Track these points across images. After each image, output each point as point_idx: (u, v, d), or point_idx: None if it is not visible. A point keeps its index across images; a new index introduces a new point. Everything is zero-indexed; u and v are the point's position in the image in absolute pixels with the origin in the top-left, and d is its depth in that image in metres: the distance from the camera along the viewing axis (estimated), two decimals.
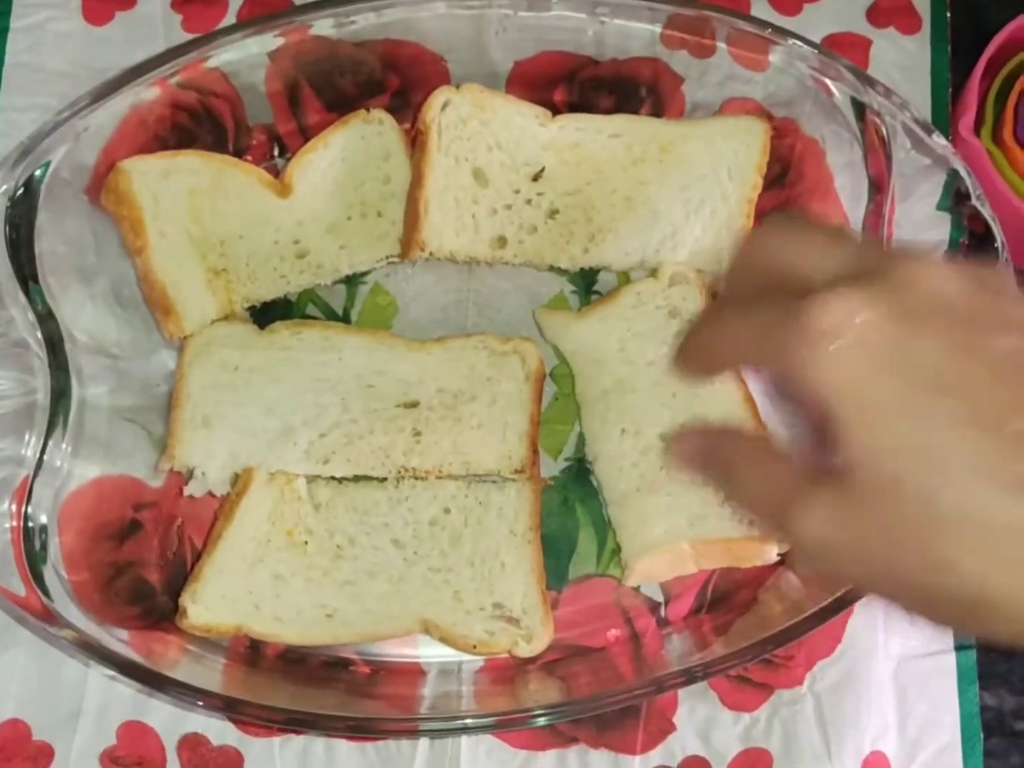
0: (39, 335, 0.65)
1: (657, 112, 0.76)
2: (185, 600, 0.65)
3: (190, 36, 0.77)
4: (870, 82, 0.69)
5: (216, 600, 0.66)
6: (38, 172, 0.65)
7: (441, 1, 0.70)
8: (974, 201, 0.67)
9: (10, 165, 0.64)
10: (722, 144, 0.72)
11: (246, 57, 0.71)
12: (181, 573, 0.69)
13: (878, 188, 0.69)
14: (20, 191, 0.64)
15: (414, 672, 0.69)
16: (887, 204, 0.68)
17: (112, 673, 0.61)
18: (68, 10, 0.78)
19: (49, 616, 0.61)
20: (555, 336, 0.73)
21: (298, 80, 0.74)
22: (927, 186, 0.68)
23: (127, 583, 0.68)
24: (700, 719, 0.69)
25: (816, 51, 0.70)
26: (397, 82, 0.75)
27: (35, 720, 0.69)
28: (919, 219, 0.69)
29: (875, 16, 0.80)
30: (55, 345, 0.65)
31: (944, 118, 0.78)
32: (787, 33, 0.70)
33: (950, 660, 0.70)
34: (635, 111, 0.76)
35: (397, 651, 0.69)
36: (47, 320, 0.65)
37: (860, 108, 0.69)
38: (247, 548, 0.67)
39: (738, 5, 0.80)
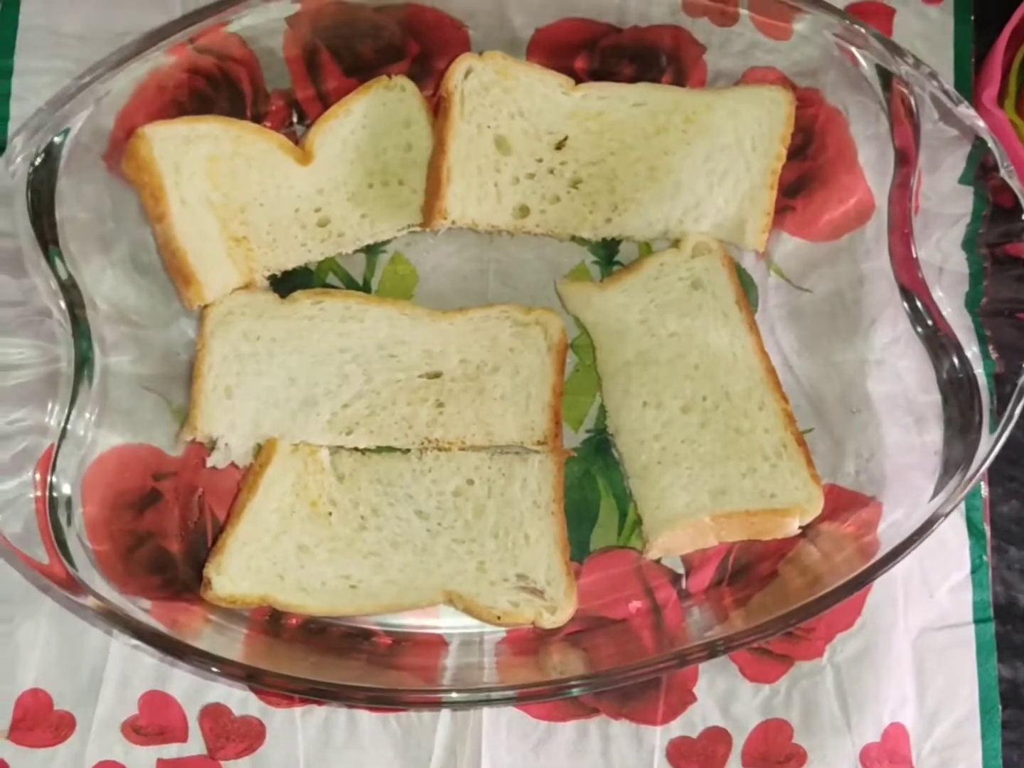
0: (61, 303, 0.64)
1: (678, 81, 0.75)
2: (209, 572, 0.65)
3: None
4: (898, 51, 0.68)
5: (241, 572, 0.65)
6: (58, 138, 0.64)
7: None
8: (1002, 172, 0.66)
9: (31, 131, 0.64)
10: (746, 114, 0.72)
11: (265, 22, 0.70)
12: (202, 544, 0.69)
13: (905, 160, 0.69)
14: (41, 157, 0.64)
15: (436, 643, 0.69)
16: (914, 176, 0.68)
17: (135, 642, 0.61)
18: None
19: (73, 585, 0.60)
20: (577, 308, 0.73)
21: (316, 45, 0.73)
22: (953, 158, 0.67)
23: (148, 553, 0.68)
24: (720, 690, 0.70)
25: (842, 19, 0.69)
26: (417, 48, 0.74)
27: (57, 690, 0.69)
28: (946, 192, 0.68)
29: None
30: (77, 313, 0.65)
31: (967, 89, 0.77)
32: (811, 1, 0.69)
33: (969, 632, 0.71)
34: (656, 79, 0.75)
35: (419, 622, 0.69)
36: (69, 287, 0.65)
37: (887, 78, 0.69)
38: (271, 519, 0.66)
39: None
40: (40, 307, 0.64)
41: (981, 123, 0.67)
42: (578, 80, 0.72)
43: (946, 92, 0.67)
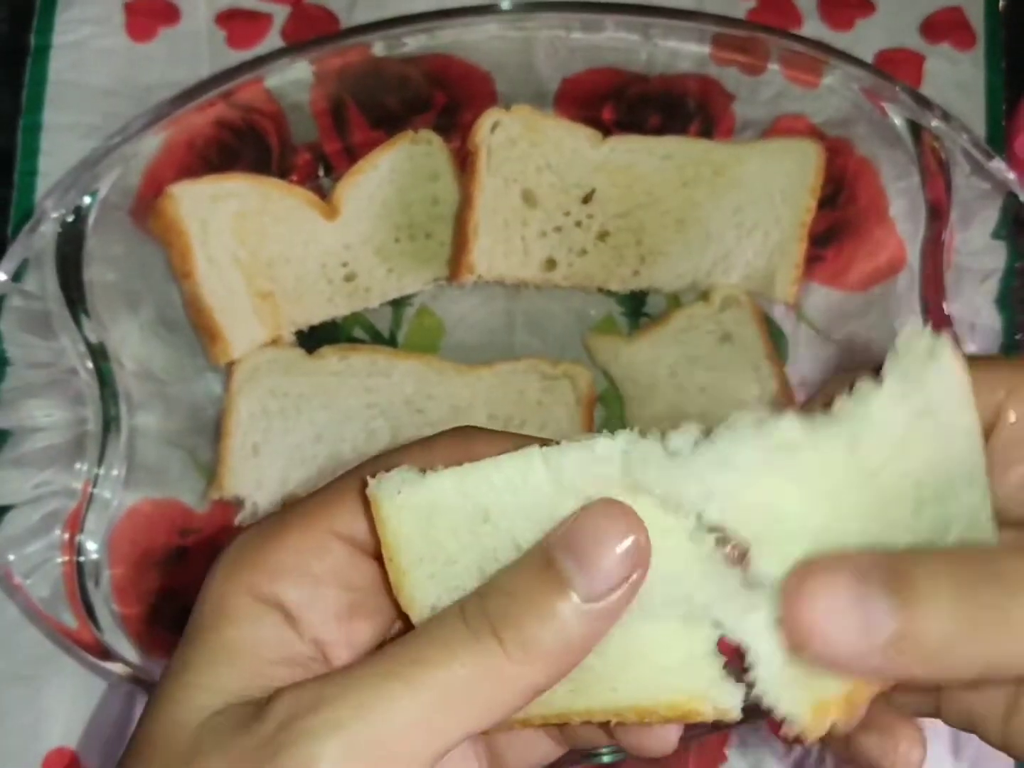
0: (88, 363, 0.64)
1: (707, 130, 0.75)
2: None
3: (234, 52, 0.77)
4: (928, 104, 0.67)
5: None
6: (87, 199, 0.64)
7: (493, 23, 0.69)
8: None
9: (60, 192, 0.64)
10: (775, 166, 0.71)
11: (292, 76, 0.70)
12: None
13: (937, 214, 0.68)
14: (70, 219, 0.64)
15: None
16: (946, 230, 0.67)
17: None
18: (111, 27, 0.77)
19: (100, 650, 0.60)
20: (605, 361, 0.72)
21: (343, 98, 0.73)
22: (986, 212, 0.67)
23: (174, 610, 0.68)
24: (752, 750, 0.69)
25: (870, 72, 0.68)
26: (443, 99, 0.74)
27: (82, 748, 0.68)
28: (978, 246, 0.67)
29: (929, 31, 0.79)
30: (104, 373, 0.65)
31: (999, 136, 0.77)
32: (840, 54, 0.69)
33: None
34: (684, 129, 0.75)
35: None
36: (96, 348, 0.65)
37: (917, 131, 0.68)
38: None
39: (789, 20, 0.79)
40: (68, 367, 0.64)
41: (1012, 176, 0.66)
42: (605, 131, 0.72)
43: (977, 145, 0.66)
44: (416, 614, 0.37)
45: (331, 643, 0.38)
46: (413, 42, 0.70)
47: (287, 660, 0.37)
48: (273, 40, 0.77)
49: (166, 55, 0.77)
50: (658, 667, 0.36)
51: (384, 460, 0.38)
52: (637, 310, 0.74)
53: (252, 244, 0.69)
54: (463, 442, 0.39)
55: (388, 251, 0.72)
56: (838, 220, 0.74)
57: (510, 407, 0.70)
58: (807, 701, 0.34)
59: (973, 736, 0.65)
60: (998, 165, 0.66)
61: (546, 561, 0.34)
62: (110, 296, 0.66)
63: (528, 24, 0.69)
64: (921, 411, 0.34)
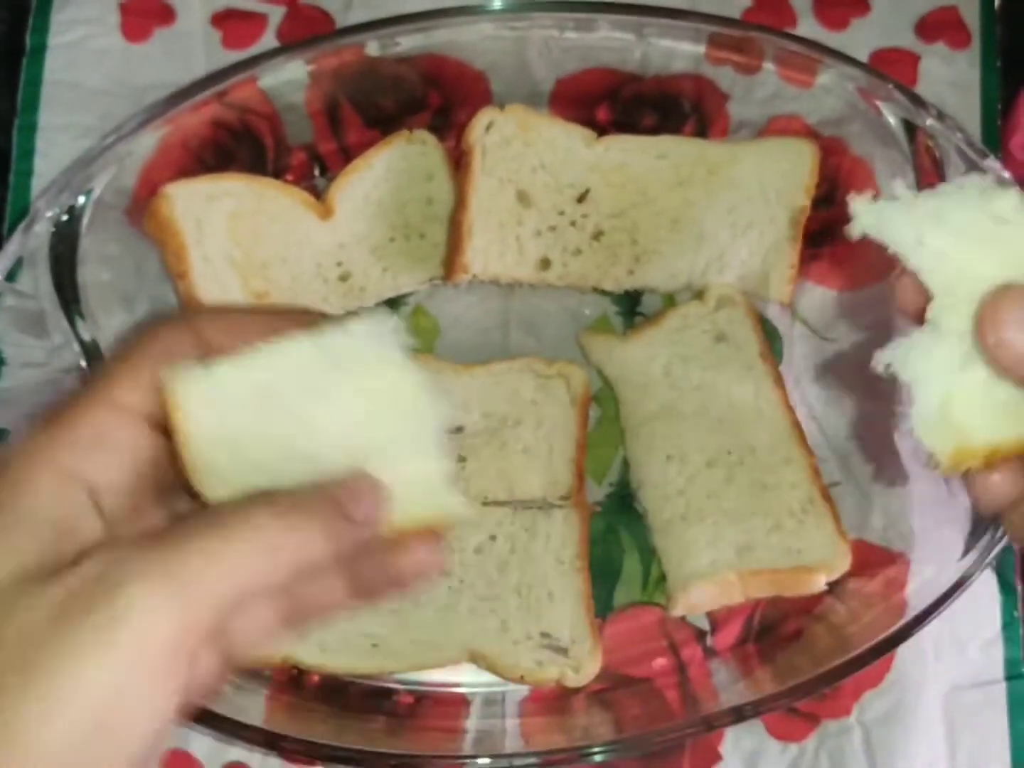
0: (83, 363, 0.64)
1: (701, 130, 0.75)
2: None
3: (230, 53, 0.77)
4: (922, 104, 0.67)
5: None
6: (81, 199, 0.65)
7: (487, 22, 0.69)
8: None
9: (54, 192, 0.64)
10: (770, 166, 0.71)
11: (287, 77, 0.70)
12: None
13: None
14: (64, 218, 0.64)
15: (458, 702, 0.68)
16: None
17: None
18: (106, 27, 0.77)
19: None
20: (599, 360, 0.72)
21: (338, 98, 0.73)
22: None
23: None
24: (747, 750, 0.69)
25: (865, 71, 0.68)
26: (438, 99, 0.75)
27: None
28: None
29: (924, 30, 0.79)
30: None
31: (995, 135, 0.77)
32: (835, 54, 0.69)
33: (1000, 690, 0.69)
34: (679, 128, 0.75)
35: (440, 678, 0.68)
36: (90, 347, 0.65)
37: (912, 130, 0.68)
38: None
39: (784, 19, 0.79)
40: (62, 367, 0.64)
41: (1008, 175, 0.66)
42: (600, 131, 0.72)
43: (972, 145, 0.66)
44: (210, 493, 0.41)
45: (124, 518, 0.41)
46: (407, 42, 0.70)
47: (84, 530, 0.40)
48: (268, 40, 0.77)
49: (161, 55, 0.77)
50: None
51: (165, 334, 0.42)
52: (632, 309, 0.74)
53: (247, 244, 0.69)
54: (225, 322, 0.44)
55: (383, 251, 0.72)
56: (833, 219, 0.74)
57: (505, 406, 0.70)
58: (952, 443, 0.40)
59: (968, 735, 0.66)
60: (993, 164, 0.66)
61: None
62: (104, 296, 0.67)
63: (521, 24, 0.69)
64: None
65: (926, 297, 0.41)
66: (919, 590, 0.65)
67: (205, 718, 0.60)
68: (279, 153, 0.74)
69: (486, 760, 0.62)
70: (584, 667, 0.65)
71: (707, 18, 0.70)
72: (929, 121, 0.67)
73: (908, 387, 0.41)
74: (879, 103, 0.68)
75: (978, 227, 0.39)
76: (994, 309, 0.39)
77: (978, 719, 0.69)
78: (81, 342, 0.64)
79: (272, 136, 0.73)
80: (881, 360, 0.41)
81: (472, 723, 0.66)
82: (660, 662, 0.69)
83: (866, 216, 0.42)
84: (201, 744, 0.68)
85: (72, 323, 0.64)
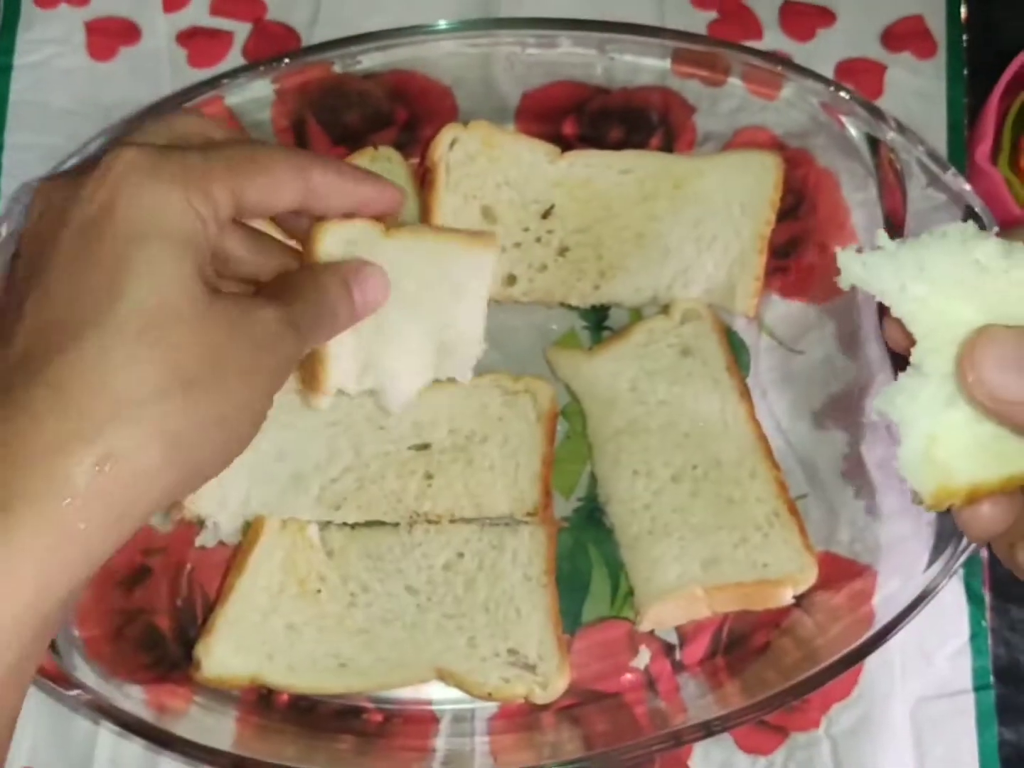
0: None
1: (668, 142, 0.75)
2: (199, 652, 0.65)
3: (196, 71, 0.77)
4: (882, 117, 0.68)
5: (230, 652, 0.65)
6: None
7: (448, 40, 0.69)
8: None
9: (16, 214, 0.64)
10: (735, 180, 0.71)
11: (252, 94, 0.70)
12: (191, 619, 0.69)
13: (894, 226, 0.68)
14: None
15: (427, 719, 0.68)
16: None
17: (122, 732, 0.61)
18: (72, 46, 0.77)
19: (59, 677, 0.60)
20: (566, 375, 0.72)
21: (305, 115, 0.73)
22: (943, 225, 0.66)
23: (137, 631, 0.68)
24: (716, 762, 0.69)
25: (827, 85, 0.69)
26: (405, 115, 0.75)
27: None
28: None
29: (889, 40, 0.79)
30: None
31: (960, 145, 0.77)
32: (797, 68, 0.69)
33: (968, 700, 0.70)
34: (646, 142, 0.75)
35: (410, 695, 0.68)
36: None
37: (874, 143, 0.68)
38: (260, 599, 0.66)
39: (750, 31, 0.79)
40: None
41: (968, 188, 0.66)
42: (567, 145, 0.72)
43: (933, 157, 0.67)
44: None
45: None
46: (373, 58, 0.70)
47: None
48: (234, 58, 0.77)
49: (127, 74, 0.77)
50: None
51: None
52: (599, 324, 0.74)
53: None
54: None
55: None
56: (799, 231, 0.74)
57: (472, 422, 0.70)
58: (935, 482, 0.42)
59: (936, 746, 0.67)
60: (953, 178, 0.66)
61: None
62: None
63: (482, 41, 0.69)
64: None
65: (912, 340, 0.43)
66: (886, 601, 0.65)
67: (174, 742, 0.60)
68: None
69: None
70: (552, 684, 0.66)
71: (669, 34, 0.70)
72: (891, 134, 0.67)
73: (897, 427, 0.43)
74: (842, 117, 0.69)
75: (959, 274, 0.41)
76: (972, 349, 0.41)
77: (946, 729, 0.69)
78: None
79: None
80: (873, 406, 0.44)
81: (441, 742, 0.67)
82: (628, 677, 0.69)
83: (851, 268, 0.43)
84: (170, 766, 0.68)
85: None
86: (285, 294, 0.53)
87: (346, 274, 0.56)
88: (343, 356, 0.58)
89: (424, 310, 0.61)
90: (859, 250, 0.44)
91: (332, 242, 0.57)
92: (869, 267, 0.43)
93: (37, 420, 0.43)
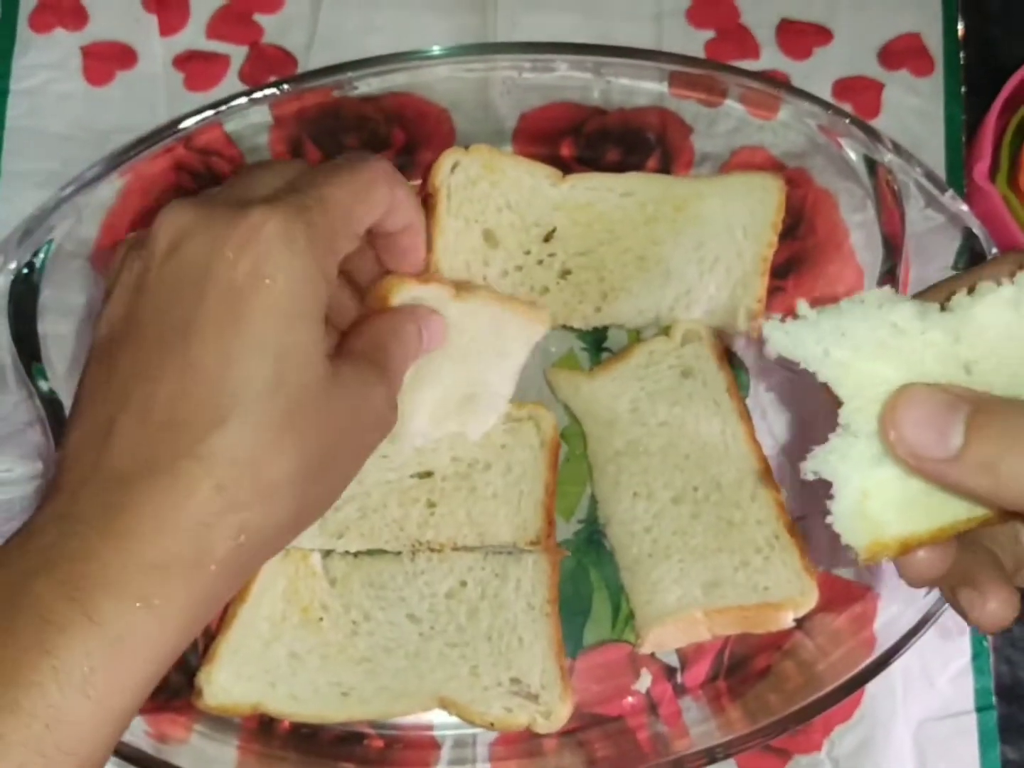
0: (44, 415, 0.64)
1: (666, 163, 0.75)
2: (200, 680, 0.65)
3: (192, 94, 0.77)
4: (879, 138, 0.67)
5: (231, 681, 0.65)
6: (41, 252, 0.64)
7: (445, 65, 0.69)
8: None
9: (14, 244, 0.64)
10: (737, 202, 0.71)
11: (250, 119, 0.70)
12: (193, 647, 0.68)
13: (893, 247, 0.68)
14: (24, 271, 0.64)
15: (428, 745, 0.68)
16: (901, 265, 0.67)
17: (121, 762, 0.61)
18: (68, 71, 0.77)
19: None
20: (566, 396, 0.72)
21: (302, 139, 0.73)
22: (942, 246, 0.67)
23: None
24: None
25: (823, 108, 0.69)
26: (403, 138, 0.74)
27: None
28: (935, 278, 0.67)
29: (887, 58, 0.79)
30: (61, 427, 0.64)
31: (958, 163, 0.77)
32: (793, 90, 0.69)
33: (971, 721, 0.70)
34: (643, 162, 0.75)
35: (411, 721, 0.68)
36: (49, 400, 0.65)
37: (872, 164, 0.68)
38: (262, 627, 0.66)
39: (747, 50, 0.79)
40: (23, 421, 0.64)
41: (966, 208, 0.66)
42: (565, 167, 0.72)
43: (931, 178, 0.67)
44: None
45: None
46: (370, 84, 0.70)
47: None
48: (231, 81, 0.77)
49: (124, 99, 0.76)
50: None
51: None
52: (598, 345, 0.74)
53: None
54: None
55: None
56: (798, 251, 0.74)
57: (474, 450, 0.69)
58: (868, 537, 0.44)
59: (939, 766, 0.66)
60: (952, 199, 0.66)
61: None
62: (65, 348, 0.66)
63: (479, 66, 0.69)
64: None
65: (839, 402, 0.46)
66: (888, 625, 0.65)
67: None
68: None
69: None
70: (554, 713, 0.65)
71: (666, 57, 0.70)
72: (888, 156, 0.67)
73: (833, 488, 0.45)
74: (839, 138, 0.69)
75: (878, 337, 0.44)
76: (892, 409, 0.43)
77: (949, 750, 0.69)
78: (41, 396, 0.64)
79: None
80: (807, 468, 0.46)
81: None
82: (630, 700, 0.69)
83: (776, 337, 0.45)
84: None
85: (31, 377, 0.64)
86: (371, 348, 0.56)
87: (420, 321, 0.61)
88: None
89: (465, 366, 0.65)
90: (783, 319, 0.45)
91: (402, 298, 0.60)
92: (792, 335, 0.45)
93: (190, 493, 0.46)
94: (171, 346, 0.48)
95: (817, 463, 0.45)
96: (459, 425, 0.67)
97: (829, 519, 0.45)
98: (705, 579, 0.68)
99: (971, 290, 0.44)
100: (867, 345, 0.44)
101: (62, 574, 0.45)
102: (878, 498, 0.45)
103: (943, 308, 0.44)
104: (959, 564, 0.47)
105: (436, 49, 0.68)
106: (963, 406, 0.42)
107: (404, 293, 0.61)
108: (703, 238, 0.72)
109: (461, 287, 0.64)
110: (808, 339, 0.44)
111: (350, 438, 0.52)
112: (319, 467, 0.50)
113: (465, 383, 0.66)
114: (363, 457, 0.55)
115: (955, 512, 0.45)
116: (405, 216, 0.59)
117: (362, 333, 0.58)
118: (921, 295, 0.47)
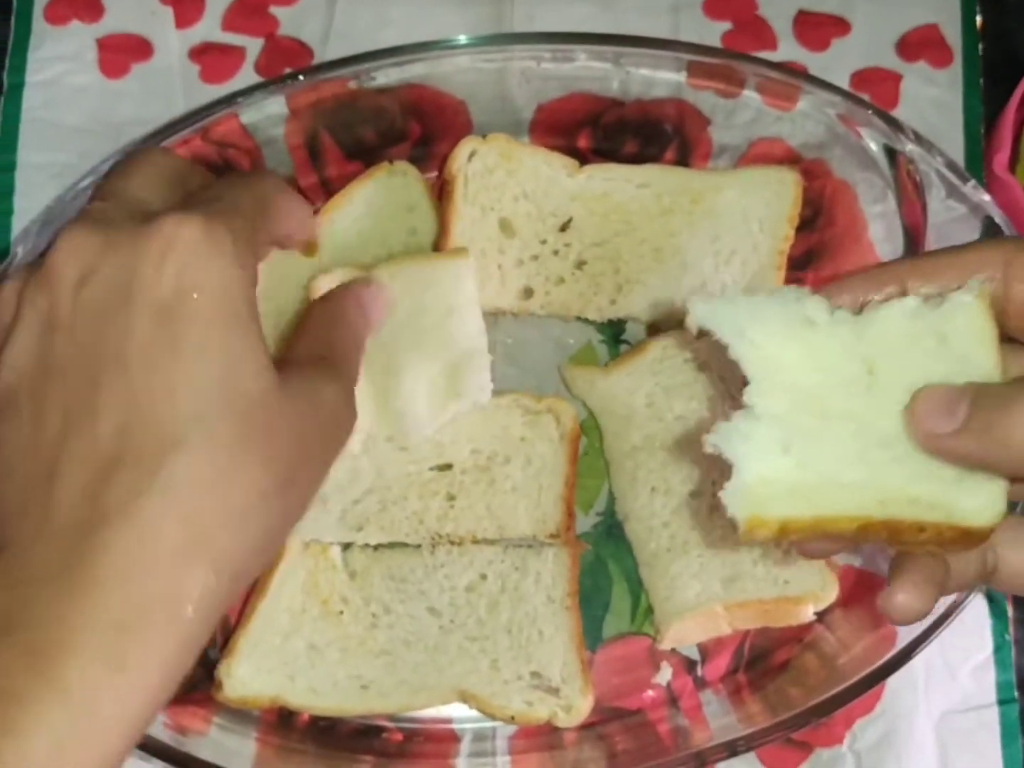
0: None
1: (683, 154, 0.75)
2: (221, 673, 0.65)
3: (208, 87, 0.77)
4: (900, 128, 0.67)
5: (251, 673, 0.65)
6: None
7: (463, 56, 0.68)
8: None
9: (32, 235, 0.64)
10: (753, 195, 0.71)
11: (266, 111, 0.70)
12: (213, 640, 0.68)
13: (914, 238, 0.68)
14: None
15: (448, 738, 0.68)
16: None
17: (142, 754, 0.60)
18: (84, 63, 0.77)
19: None
20: (582, 392, 0.72)
21: (318, 131, 0.73)
22: (963, 236, 0.66)
23: None
24: None
25: (844, 97, 0.68)
26: (419, 130, 0.74)
27: None
28: None
29: (905, 50, 0.79)
30: None
31: (978, 154, 0.76)
32: (813, 80, 0.69)
33: (993, 714, 0.69)
34: (661, 154, 0.75)
35: (431, 714, 0.68)
36: None
37: (893, 154, 0.68)
38: (282, 620, 0.66)
39: (765, 42, 0.79)
40: None
41: (988, 198, 0.66)
42: (582, 158, 0.72)
43: (952, 168, 0.66)
44: None
45: None
46: (387, 75, 0.69)
47: None
48: (247, 73, 0.77)
49: (140, 91, 0.76)
50: None
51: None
52: (616, 338, 0.74)
53: None
54: None
55: None
56: (816, 243, 0.74)
57: (493, 443, 0.69)
58: (749, 511, 0.46)
59: (961, 760, 0.66)
60: (973, 188, 0.66)
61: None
62: None
63: (497, 56, 0.69)
64: (935, 333, 0.47)
65: (746, 381, 0.48)
66: None
67: (194, 765, 0.60)
68: None
69: None
70: (575, 707, 0.65)
71: (684, 47, 0.69)
72: (909, 146, 0.67)
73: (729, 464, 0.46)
74: (859, 128, 0.68)
75: (791, 327, 0.47)
76: (912, 403, 0.47)
77: (971, 743, 0.69)
78: None
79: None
80: (709, 440, 0.47)
81: (462, 762, 0.66)
82: (650, 694, 0.69)
83: (699, 310, 0.48)
84: None
85: None
86: (315, 344, 0.55)
87: (358, 297, 0.60)
88: (362, 403, 0.58)
89: (422, 337, 0.63)
90: (711, 297, 0.49)
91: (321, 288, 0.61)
92: (714, 311, 0.48)
93: (154, 529, 0.43)
94: (106, 380, 0.44)
95: (719, 438, 0.47)
96: (459, 397, 0.65)
97: (720, 493, 0.46)
98: (724, 573, 0.67)
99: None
100: (779, 332, 0.47)
101: (22, 642, 0.41)
102: (771, 480, 0.46)
103: (845, 310, 0.48)
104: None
105: (456, 39, 0.68)
106: (968, 390, 0.46)
107: (323, 283, 0.61)
108: (719, 231, 0.71)
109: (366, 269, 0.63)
110: (728, 316, 0.47)
111: (311, 443, 0.49)
112: (286, 478, 0.47)
113: (436, 355, 0.64)
114: (329, 461, 0.52)
115: (836, 507, 0.47)
116: (301, 222, 0.59)
117: (302, 331, 0.56)
118: (829, 290, 0.49)
